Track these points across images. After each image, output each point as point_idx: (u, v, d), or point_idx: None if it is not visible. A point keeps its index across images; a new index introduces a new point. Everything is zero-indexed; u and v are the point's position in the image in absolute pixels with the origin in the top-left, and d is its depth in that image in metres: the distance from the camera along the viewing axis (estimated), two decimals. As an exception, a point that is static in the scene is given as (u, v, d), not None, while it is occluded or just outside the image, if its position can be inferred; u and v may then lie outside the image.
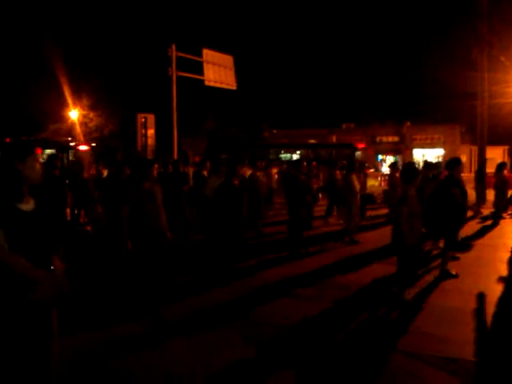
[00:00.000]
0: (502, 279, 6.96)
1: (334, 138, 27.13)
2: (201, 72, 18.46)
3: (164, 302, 5.86)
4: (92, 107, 34.91)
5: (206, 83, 18.84)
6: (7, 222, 2.77)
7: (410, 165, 7.61)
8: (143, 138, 21.98)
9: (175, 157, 17.84)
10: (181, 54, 17.36)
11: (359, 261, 8.29)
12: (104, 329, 5.02)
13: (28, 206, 2.95)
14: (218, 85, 19.47)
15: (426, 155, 34.33)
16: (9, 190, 2.85)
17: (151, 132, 21.73)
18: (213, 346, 4.69)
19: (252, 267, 7.62)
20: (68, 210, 7.90)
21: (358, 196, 10.31)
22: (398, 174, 10.97)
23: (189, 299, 6.10)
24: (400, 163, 19.94)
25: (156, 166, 6.27)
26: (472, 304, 5.94)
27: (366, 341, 4.90)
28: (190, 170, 11.70)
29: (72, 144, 28.51)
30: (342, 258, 8.48)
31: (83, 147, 26.97)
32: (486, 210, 14.30)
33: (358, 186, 10.25)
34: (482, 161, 17.78)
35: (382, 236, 10.72)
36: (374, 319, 5.46)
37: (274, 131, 41.73)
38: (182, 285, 6.70)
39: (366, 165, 11.76)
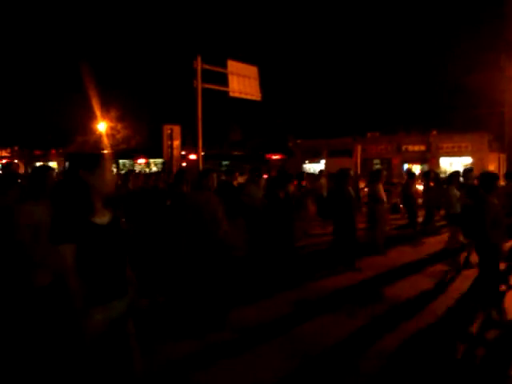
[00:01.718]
0: None
1: (359, 148, 26.93)
2: (225, 83, 18.58)
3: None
4: (119, 119, 35.49)
5: (231, 94, 18.94)
6: (80, 237, 2.63)
7: (488, 174, 7.49)
8: (169, 150, 22.15)
9: (200, 168, 17.96)
10: (206, 66, 17.52)
11: (401, 273, 8.22)
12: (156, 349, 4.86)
13: (103, 219, 2.79)
14: (242, 96, 19.55)
15: (453, 164, 33.78)
16: (78, 203, 2.69)
17: (177, 143, 21.86)
18: (256, 364, 4.62)
19: (297, 280, 7.51)
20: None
21: (386, 206, 10.24)
22: (432, 183, 10.86)
23: (236, 313, 5.96)
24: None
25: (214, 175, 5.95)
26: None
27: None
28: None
29: (182, 153, 28.35)
30: (384, 271, 8.38)
31: (193, 156, 26.82)
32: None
33: (384, 195, 10.16)
34: (511, 169, 17.49)
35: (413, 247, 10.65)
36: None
37: (298, 141, 41.70)
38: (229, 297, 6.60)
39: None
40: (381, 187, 10.18)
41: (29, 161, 40.32)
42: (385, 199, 10.13)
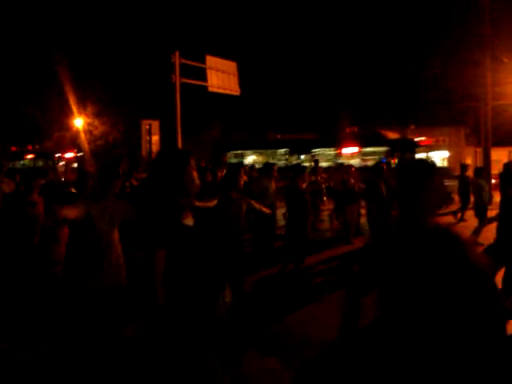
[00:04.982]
0: None
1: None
2: (204, 78, 18.52)
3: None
4: (97, 115, 34.98)
5: (210, 89, 18.91)
6: (174, 240, 2.46)
7: None
8: (148, 145, 22.02)
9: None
10: (184, 61, 17.43)
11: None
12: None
13: (190, 220, 2.62)
14: (221, 91, 19.54)
15: (431, 157, 34.23)
16: (173, 203, 2.51)
17: (156, 138, 21.77)
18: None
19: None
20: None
21: None
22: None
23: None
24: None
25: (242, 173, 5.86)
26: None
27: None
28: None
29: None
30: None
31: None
32: (493, 212, 14.25)
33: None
34: (487, 162, 17.80)
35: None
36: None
37: (278, 136, 41.70)
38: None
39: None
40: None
41: (5, 157, 39.60)
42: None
